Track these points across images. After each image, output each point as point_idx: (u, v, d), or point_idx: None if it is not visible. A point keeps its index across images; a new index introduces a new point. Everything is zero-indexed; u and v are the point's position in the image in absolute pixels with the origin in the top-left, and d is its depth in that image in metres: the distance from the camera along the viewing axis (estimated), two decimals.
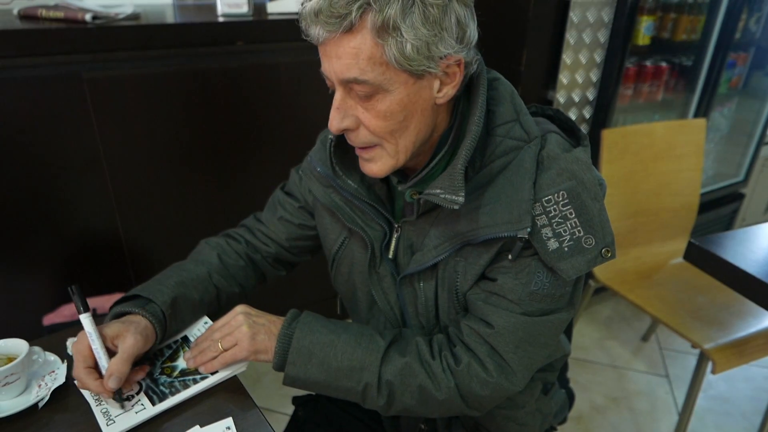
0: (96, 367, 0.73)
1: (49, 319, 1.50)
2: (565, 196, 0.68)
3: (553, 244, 0.69)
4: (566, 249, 0.68)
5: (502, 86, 0.74)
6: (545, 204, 0.68)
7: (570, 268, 0.69)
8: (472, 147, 0.68)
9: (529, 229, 0.67)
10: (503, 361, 0.73)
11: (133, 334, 0.74)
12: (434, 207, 0.75)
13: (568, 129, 0.78)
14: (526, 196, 0.68)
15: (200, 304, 0.87)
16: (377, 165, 0.71)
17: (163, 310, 0.80)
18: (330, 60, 0.64)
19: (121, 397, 0.72)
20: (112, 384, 0.70)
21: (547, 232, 0.69)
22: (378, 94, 0.65)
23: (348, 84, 0.65)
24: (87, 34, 1.32)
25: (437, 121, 0.71)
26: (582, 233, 0.68)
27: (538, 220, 0.69)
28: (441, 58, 0.64)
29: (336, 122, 0.68)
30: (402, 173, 0.78)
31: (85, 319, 0.72)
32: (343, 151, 0.78)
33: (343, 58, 0.63)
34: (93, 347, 0.72)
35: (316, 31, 0.62)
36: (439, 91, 0.67)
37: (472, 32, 0.66)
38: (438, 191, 0.69)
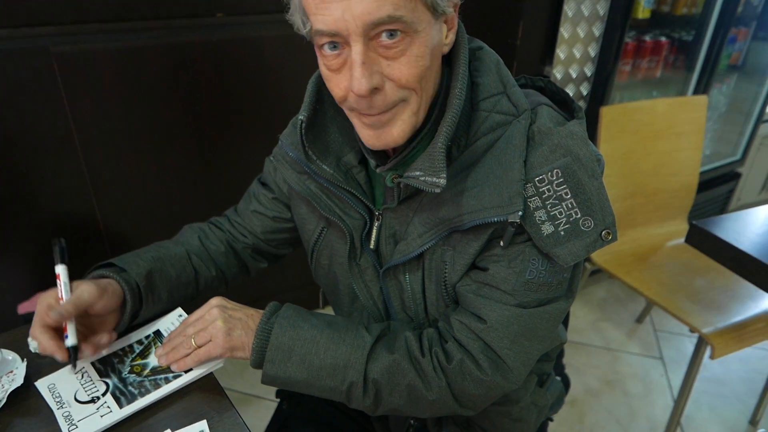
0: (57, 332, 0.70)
1: (24, 308, 1.43)
2: (560, 174, 0.62)
3: (548, 228, 0.63)
4: (562, 233, 0.63)
5: (486, 56, 0.67)
6: (538, 184, 0.62)
7: (567, 253, 0.63)
8: (453, 123, 0.61)
9: (521, 213, 0.61)
10: (498, 358, 0.68)
11: (87, 284, 0.71)
12: (417, 192, 0.68)
13: (560, 101, 0.71)
14: (517, 176, 0.62)
15: (177, 283, 0.83)
16: (397, 127, 0.62)
17: (138, 281, 0.76)
18: (349, 3, 0.54)
19: (75, 355, 0.68)
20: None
21: (540, 215, 0.63)
22: (408, 35, 0.57)
23: (374, 29, 0.56)
24: (54, 4, 1.24)
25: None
26: (579, 215, 0.62)
27: (530, 202, 0.63)
28: None
29: (366, 80, 0.57)
30: (382, 155, 0.71)
31: (62, 272, 0.71)
32: (317, 134, 0.71)
33: None
34: (63, 297, 0.70)
35: None
36: (446, 36, 0.63)
37: None
38: (417, 173, 0.62)
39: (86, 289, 0.70)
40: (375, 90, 0.59)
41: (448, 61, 0.66)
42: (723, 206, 2.49)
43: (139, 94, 1.40)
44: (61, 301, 0.70)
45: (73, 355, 0.69)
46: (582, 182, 0.62)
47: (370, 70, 0.57)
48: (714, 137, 2.49)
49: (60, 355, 0.68)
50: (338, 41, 0.58)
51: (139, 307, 0.77)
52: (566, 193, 0.62)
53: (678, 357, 1.93)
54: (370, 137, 0.64)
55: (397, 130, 0.63)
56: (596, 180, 0.63)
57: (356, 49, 0.57)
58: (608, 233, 0.63)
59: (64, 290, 0.71)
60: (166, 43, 1.38)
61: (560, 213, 0.62)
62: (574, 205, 0.62)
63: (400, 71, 0.58)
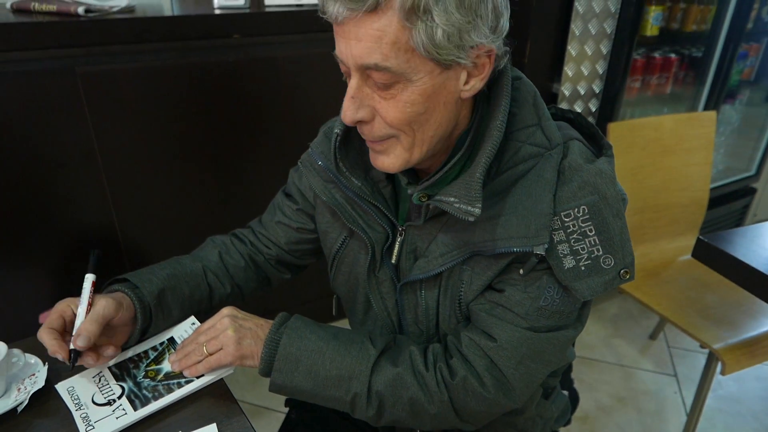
0: (64, 335, 0.72)
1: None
2: (586, 211, 0.64)
3: (569, 262, 0.64)
4: (583, 268, 0.64)
5: (524, 87, 0.69)
6: (564, 219, 0.64)
7: (585, 288, 0.65)
8: (492, 153, 0.63)
9: (546, 246, 0.63)
10: (503, 377, 0.69)
11: (105, 299, 0.73)
12: (443, 212, 0.70)
13: (590, 135, 0.72)
14: (546, 209, 0.63)
15: (190, 300, 0.85)
16: (389, 158, 0.65)
17: (149, 299, 0.78)
18: (348, 42, 0.58)
19: (75, 357, 0.70)
20: (80, 342, 0.69)
21: (563, 248, 0.64)
22: (399, 83, 0.59)
23: (366, 70, 0.59)
24: (80, 27, 1.30)
25: (460, 117, 0.66)
26: (601, 252, 0.64)
27: (555, 235, 0.64)
28: (472, 48, 0.58)
29: (350, 113, 0.62)
30: (413, 174, 0.73)
31: (87, 280, 0.74)
32: (349, 147, 0.73)
33: (364, 40, 0.56)
34: (80, 306, 0.73)
35: (335, 9, 0.56)
36: (466, 83, 0.62)
37: (505, 22, 0.61)
38: (452, 200, 0.64)
39: (105, 304, 0.72)
40: (362, 122, 0.63)
41: (488, 88, 0.67)
42: (738, 221, 2.47)
43: (159, 111, 1.45)
44: (77, 310, 0.72)
45: (74, 356, 0.70)
46: (607, 221, 0.64)
47: (358, 103, 0.62)
48: (727, 153, 2.48)
49: (62, 354, 0.70)
50: (345, 70, 0.62)
51: (149, 324, 0.79)
52: (590, 230, 0.64)
53: (692, 374, 1.91)
54: (372, 158, 0.68)
55: (389, 161, 0.66)
56: (620, 219, 0.65)
57: (352, 83, 0.61)
58: (626, 272, 0.65)
59: (85, 298, 0.73)
60: (185, 63, 1.44)
61: (583, 249, 0.64)
62: (597, 242, 0.64)
63: (387, 112, 0.61)
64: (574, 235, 0.64)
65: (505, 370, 0.69)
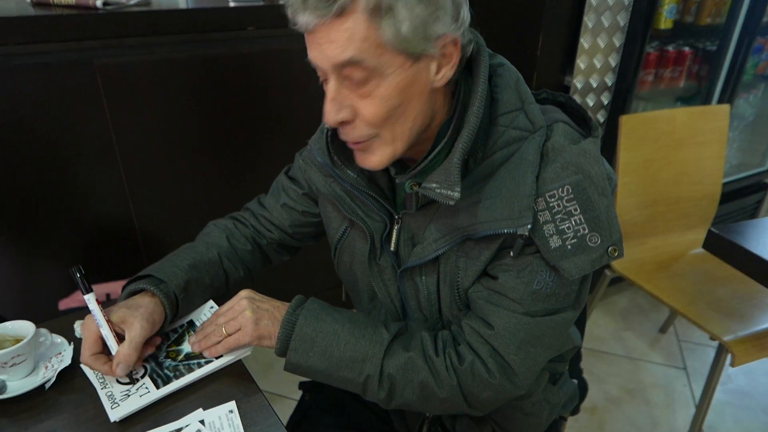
0: (104, 350, 0.73)
1: (64, 304, 1.52)
2: (570, 191, 0.65)
3: (555, 242, 0.65)
4: (569, 247, 0.65)
5: (507, 72, 0.70)
6: (548, 199, 0.65)
7: (573, 267, 0.66)
8: (470, 139, 0.65)
9: (530, 226, 0.64)
10: (505, 363, 0.71)
11: (139, 321, 0.74)
12: (434, 200, 0.72)
13: (579, 117, 0.73)
14: (528, 190, 0.65)
15: (210, 288, 0.87)
16: (376, 156, 0.67)
17: (176, 293, 0.80)
18: (321, 46, 0.60)
19: (129, 378, 0.73)
20: (120, 371, 0.71)
21: (549, 228, 0.65)
22: (374, 78, 0.61)
23: (342, 69, 0.61)
24: (98, 20, 1.32)
25: (435, 107, 0.68)
26: (587, 231, 0.65)
27: (540, 216, 0.66)
28: (437, 38, 0.60)
29: (332, 114, 0.64)
30: (401, 164, 0.75)
31: (90, 300, 0.72)
32: (342, 140, 0.75)
33: (336, 41, 0.59)
34: (101, 329, 0.72)
35: (304, 19, 0.59)
36: (437, 73, 0.64)
37: (466, 12, 0.63)
38: (434, 185, 0.66)
39: (139, 328, 0.73)
40: (344, 122, 0.65)
41: (470, 77, 0.69)
42: (751, 217, 2.45)
43: (175, 102, 1.48)
44: (103, 332, 0.72)
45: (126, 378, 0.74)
46: (591, 199, 0.65)
47: (339, 105, 0.64)
48: (741, 147, 2.46)
49: (115, 376, 0.73)
50: (322, 75, 0.64)
51: (174, 315, 0.81)
52: (575, 209, 0.65)
53: (702, 368, 1.91)
54: (357, 159, 0.70)
55: (375, 159, 0.68)
56: (606, 198, 0.66)
57: (330, 85, 0.63)
58: (614, 249, 0.66)
59: (102, 319, 0.72)
60: (200, 55, 1.46)
61: (568, 228, 0.65)
62: (583, 221, 0.65)
63: (367, 110, 0.63)
64: (559, 215, 0.65)
65: (506, 356, 0.70)
